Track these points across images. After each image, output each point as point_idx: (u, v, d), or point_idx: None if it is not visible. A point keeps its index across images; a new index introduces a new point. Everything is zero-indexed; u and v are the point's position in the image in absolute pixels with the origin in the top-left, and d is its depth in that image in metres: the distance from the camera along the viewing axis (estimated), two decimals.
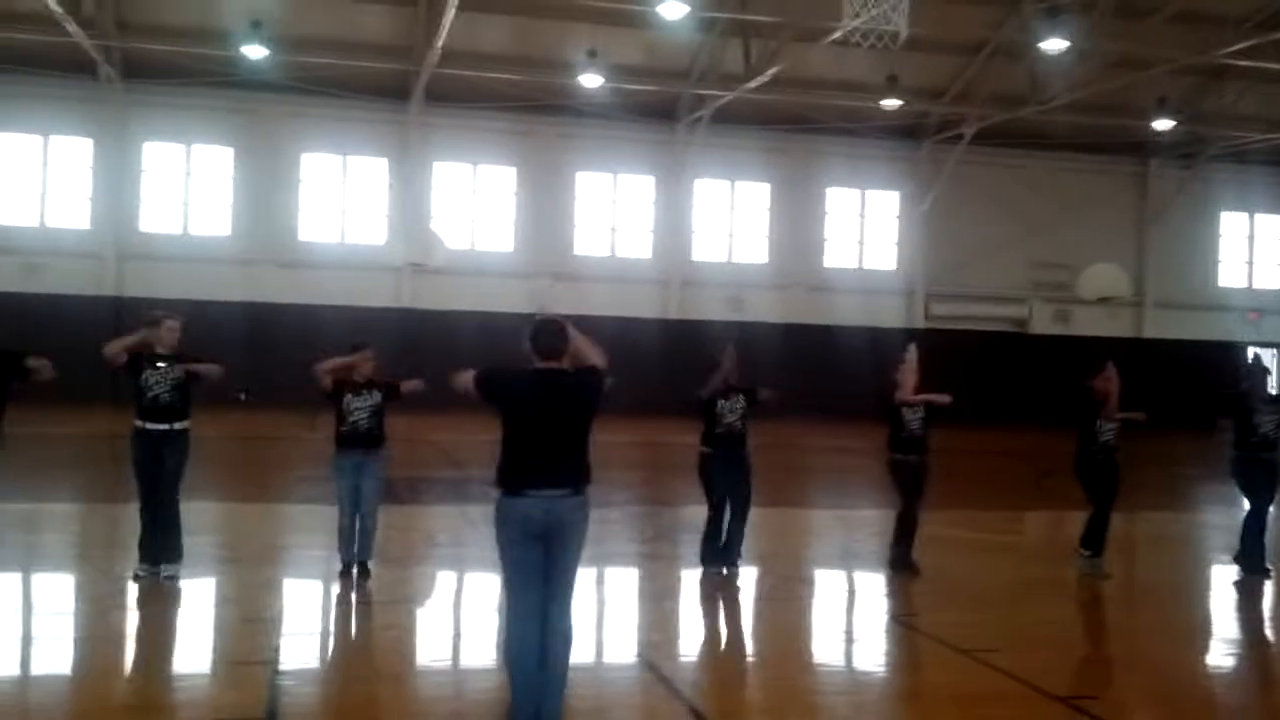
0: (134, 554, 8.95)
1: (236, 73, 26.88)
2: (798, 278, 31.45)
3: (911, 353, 10.31)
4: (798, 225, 31.72)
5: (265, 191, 28.52)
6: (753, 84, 25.78)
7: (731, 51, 27.32)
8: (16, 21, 24.51)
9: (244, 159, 28.57)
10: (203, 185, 28.57)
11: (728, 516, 9.79)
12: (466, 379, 5.79)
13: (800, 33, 24.10)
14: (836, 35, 21.10)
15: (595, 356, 5.97)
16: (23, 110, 27.20)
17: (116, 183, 27.68)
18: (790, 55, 24.75)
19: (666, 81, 29.01)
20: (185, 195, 28.50)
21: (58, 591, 9.14)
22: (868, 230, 32.73)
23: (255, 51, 24.49)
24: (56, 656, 7.33)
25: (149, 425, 8.77)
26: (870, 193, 32.59)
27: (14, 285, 25.73)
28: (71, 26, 23.22)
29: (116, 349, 8.73)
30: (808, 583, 10.32)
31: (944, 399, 10.10)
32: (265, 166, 28.51)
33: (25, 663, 7.26)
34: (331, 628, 8.28)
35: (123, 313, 26.52)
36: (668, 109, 30.22)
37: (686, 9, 22.10)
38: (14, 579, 8.93)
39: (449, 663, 7.56)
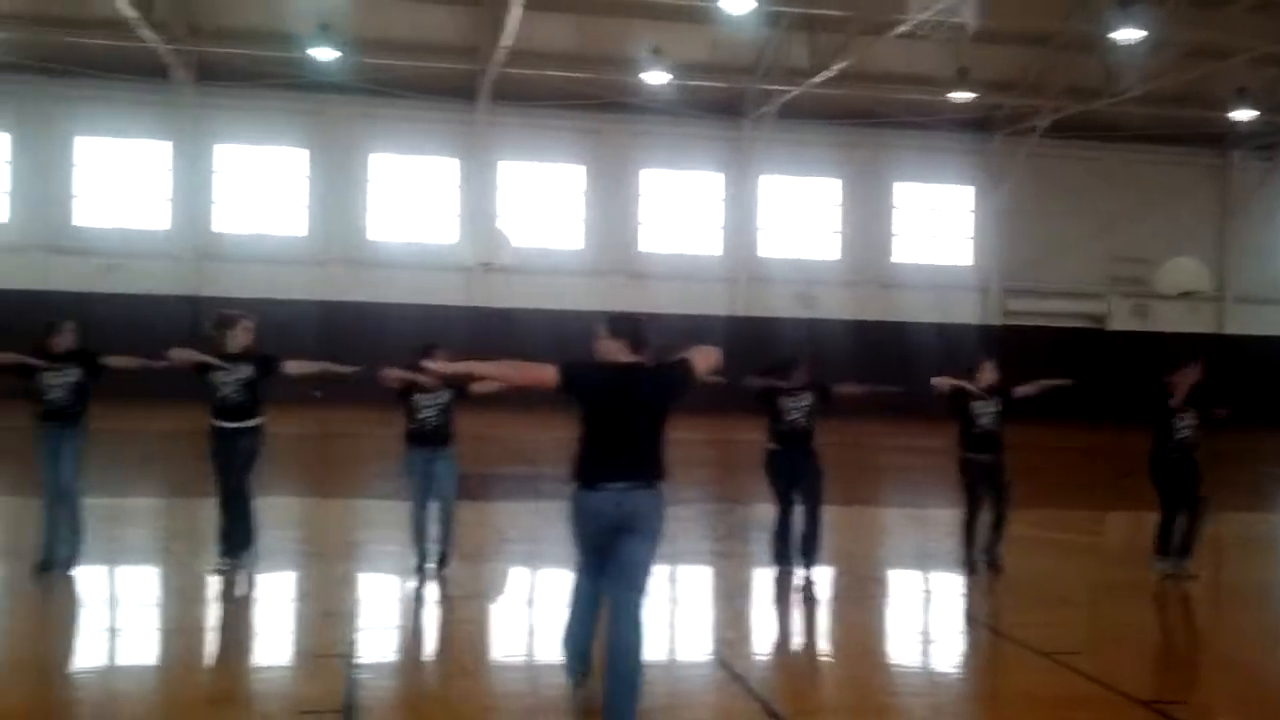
0: (214, 547, 9.12)
1: (306, 75, 27.29)
2: (868, 274, 31.15)
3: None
4: (868, 220, 31.41)
5: (337, 192, 28.89)
6: (819, 78, 25.60)
7: (797, 46, 27.16)
8: (92, 28, 25.11)
9: (316, 160, 28.98)
10: (276, 186, 29.02)
11: (798, 514, 9.69)
12: (548, 373, 5.69)
13: (867, 26, 23.89)
14: (904, 28, 20.88)
15: (703, 359, 5.89)
16: (102, 114, 27.83)
17: (193, 184, 28.22)
18: (857, 49, 24.53)
19: (732, 77, 28.90)
20: (259, 196, 28.96)
21: (142, 584, 9.33)
22: (939, 225, 32.26)
23: (324, 54, 24.83)
24: (142, 647, 7.48)
25: (222, 423, 8.96)
26: (941, 187, 32.15)
27: (96, 286, 26.34)
28: (145, 31, 23.71)
29: (183, 358, 8.89)
30: (881, 582, 10.20)
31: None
32: (336, 167, 28.88)
33: (112, 653, 7.43)
34: (407, 622, 8.35)
35: (199, 312, 27.09)
36: (734, 105, 30.10)
37: (752, 4, 22.00)
38: (101, 571, 9.13)
39: (523, 658, 7.58)
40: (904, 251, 31.94)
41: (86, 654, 7.42)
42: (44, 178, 27.73)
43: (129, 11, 22.48)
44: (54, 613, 8.28)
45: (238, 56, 27.09)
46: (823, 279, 30.94)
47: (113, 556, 9.22)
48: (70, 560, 8.85)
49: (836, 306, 30.45)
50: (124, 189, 28.35)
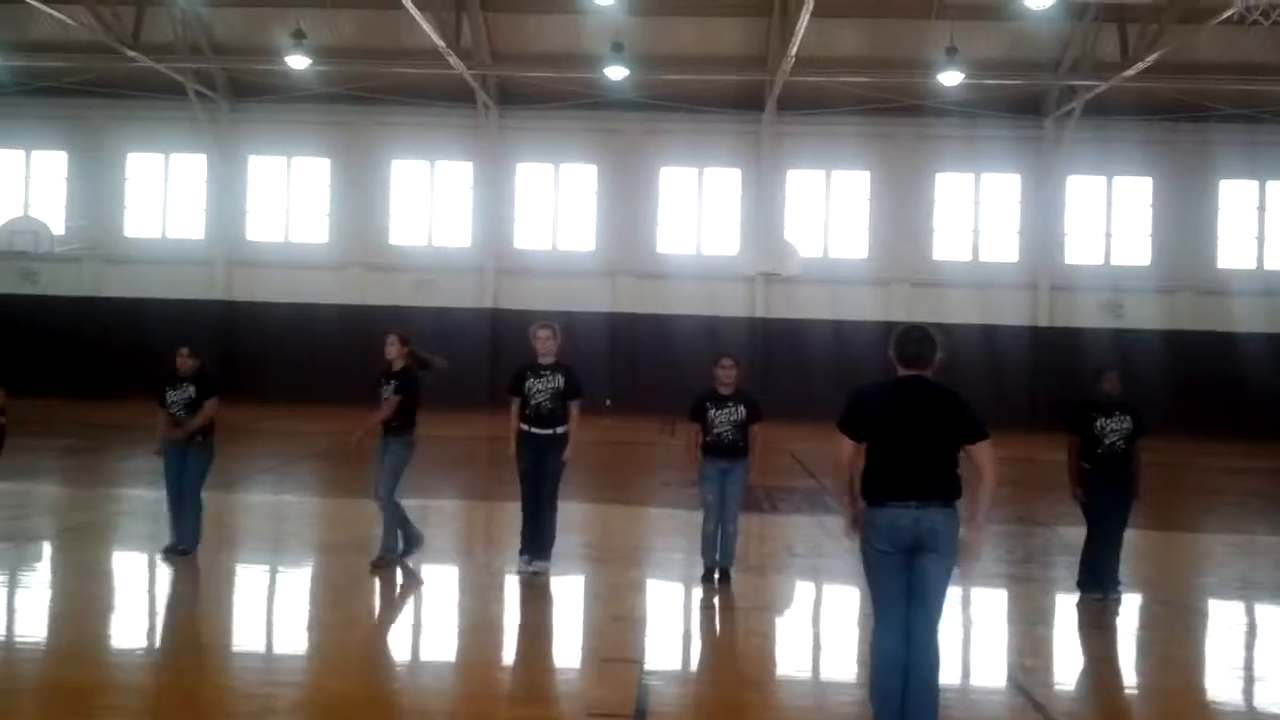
0: (510, 550, 9.46)
1: (599, 94, 28.19)
2: (1186, 280, 28.78)
3: None
4: (1185, 222, 29.04)
5: (628, 206, 29.64)
6: (1131, 71, 23.96)
7: (1106, 38, 25.57)
8: (407, 57, 26.95)
9: (606, 176, 29.85)
10: (569, 202, 30.11)
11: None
12: (844, 449, 5.60)
13: (1185, 13, 22.21)
14: (1229, 14, 19.22)
15: (991, 464, 5.59)
16: (412, 138, 29.80)
17: (494, 203, 29.70)
18: (1174, 38, 22.79)
19: (1032, 74, 27.58)
20: (554, 213, 30.13)
21: (444, 583, 9.79)
22: (1270, 225, 29.43)
23: (617, 73, 25.55)
24: (443, 645, 7.84)
25: (534, 430, 9.28)
26: (1275, 184, 29.32)
27: (407, 300, 28.16)
28: (453, 59, 25.17)
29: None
30: (1199, 613, 9.36)
31: None
32: (627, 181, 29.64)
33: (415, 649, 7.81)
34: (695, 630, 8.35)
35: (498, 323, 28.56)
36: (1034, 103, 28.72)
37: None
38: (404, 572, 9.64)
39: (810, 673, 7.41)
40: (1230, 255, 29.29)
41: (396, 647, 7.85)
42: (361, 200, 29.94)
43: (439, 41, 23.94)
44: (372, 606, 8.83)
45: (535, 79, 28.34)
46: (1133, 286, 28.89)
47: (417, 556, 9.71)
48: (391, 554, 9.42)
49: (1148, 316, 28.39)
50: (431, 209, 30.19)
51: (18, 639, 7.59)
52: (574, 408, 9.41)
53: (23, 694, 6.35)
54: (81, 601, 8.43)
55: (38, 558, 9.95)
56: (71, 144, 30.25)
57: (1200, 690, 7.36)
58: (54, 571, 9.76)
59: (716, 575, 9.19)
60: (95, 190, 30.14)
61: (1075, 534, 9.53)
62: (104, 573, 9.69)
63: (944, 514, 5.46)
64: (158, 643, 7.66)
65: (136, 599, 8.92)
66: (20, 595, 8.72)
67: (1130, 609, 9.10)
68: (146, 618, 8.27)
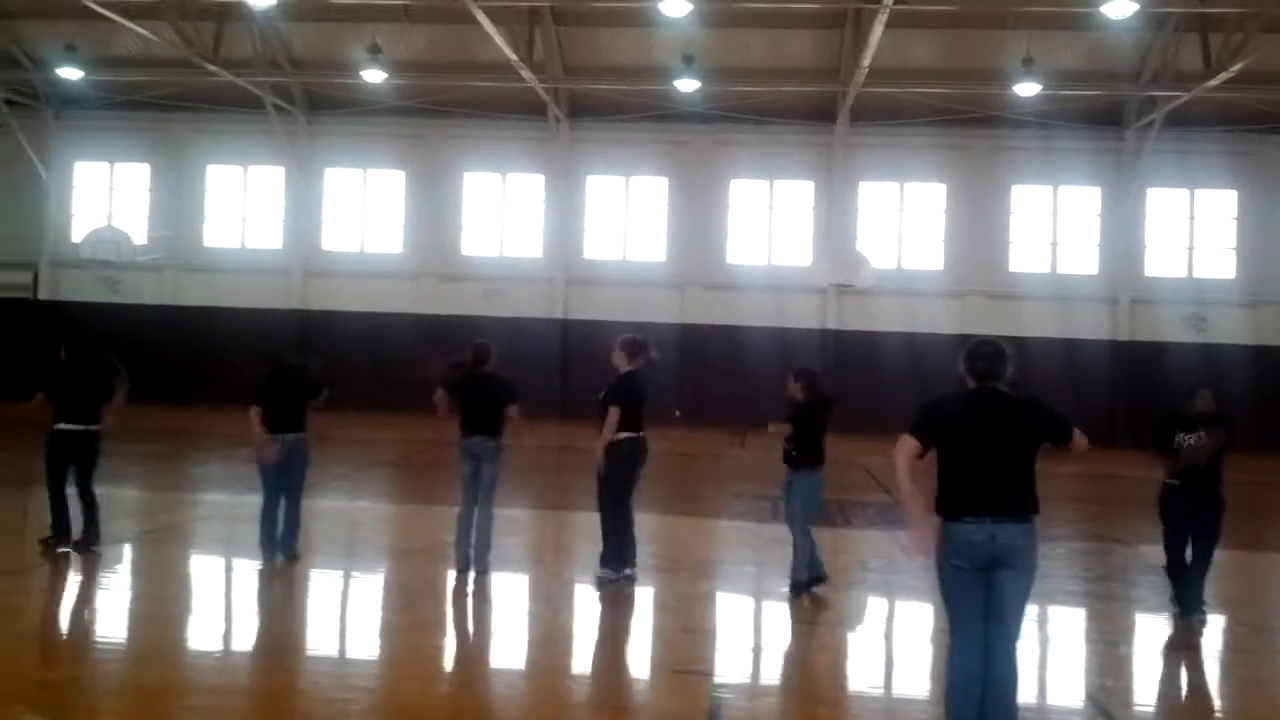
0: (580, 559, 9.47)
1: (669, 106, 28.22)
2: (1272, 294, 28.00)
3: None
4: (1272, 234, 28.25)
5: (698, 218, 29.60)
6: (1214, 82, 23.39)
7: (1187, 48, 25.00)
8: (480, 70, 27.24)
9: (676, 187, 29.84)
10: (640, 214, 30.16)
11: (1189, 557, 8.80)
12: (907, 447, 5.45)
13: (1269, 22, 21.65)
14: None
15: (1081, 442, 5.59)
16: (484, 151, 30.08)
17: (564, 214, 29.85)
18: (1258, 48, 22.23)
19: (1111, 85, 27.08)
20: (625, 224, 30.20)
21: (515, 591, 9.81)
22: None
23: (687, 85, 25.55)
24: (514, 652, 7.85)
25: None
26: None
27: (478, 310, 28.39)
28: (525, 72, 25.36)
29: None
30: None
31: None
32: (697, 193, 29.60)
33: (482, 657, 7.83)
34: (766, 644, 8.27)
35: (568, 334, 28.69)
36: (1113, 114, 28.19)
37: (1135, 7, 20.59)
38: (476, 579, 9.67)
39: (882, 690, 7.31)
40: None
41: (469, 654, 7.88)
42: (434, 211, 30.28)
43: (511, 55, 24.15)
44: (445, 612, 8.89)
45: (606, 92, 28.46)
46: (1216, 300, 28.20)
47: (495, 564, 9.77)
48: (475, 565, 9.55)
49: (1232, 330, 27.69)
50: (504, 220, 30.44)
51: (99, 639, 7.75)
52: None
53: (103, 693, 6.48)
54: (159, 603, 8.59)
55: (119, 560, 10.16)
56: (153, 156, 30.99)
57: None
58: (134, 574, 9.96)
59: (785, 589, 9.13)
60: (176, 201, 30.83)
61: (1156, 552, 9.30)
62: (182, 576, 9.87)
63: (1021, 529, 5.35)
64: (234, 645, 7.77)
65: (213, 602, 9.07)
66: (101, 596, 8.92)
67: (1214, 630, 8.86)
68: (223, 620, 8.40)
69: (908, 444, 5.44)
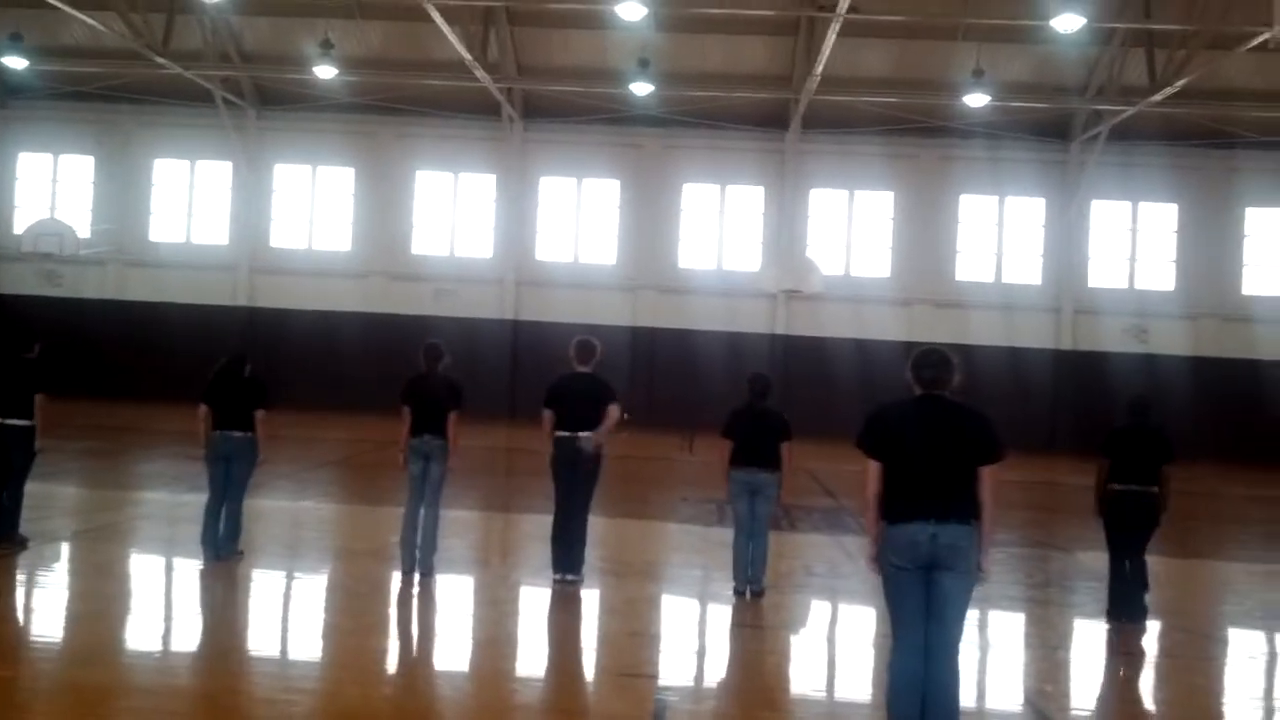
0: (527, 561, 9.43)
1: (623, 109, 28.27)
2: (1210, 306, 28.68)
3: None
4: (1211, 248, 28.91)
5: (650, 221, 29.68)
6: (1158, 97, 23.86)
7: (1133, 63, 25.49)
8: (434, 69, 27.11)
9: (628, 190, 29.90)
10: (591, 216, 30.17)
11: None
12: (871, 470, 5.59)
13: (1213, 39, 22.10)
14: (1262, 39, 19.16)
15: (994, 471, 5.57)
16: (436, 150, 29.94)
17: (516, 215, 29.78)
18: (1202, 64, 22.70)
19: (1058, 98, 27.52)
20: (576, 226, 30.18)
21: (461, 594, 9.76)
22: None
23: (642, 88, 25.60)
24: (459, 655, 7.82)
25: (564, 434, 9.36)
26: None
27: (427, 309, 28.24)
28: (479, 72, 25.28)
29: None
30: (1220, 641, 9.27)
31: None
32: (649, 196, 29.69)
33: (426, 659, 7.79)
34: (712, 648, 8.30)
35: (519, 335, 28.61)
36: (1060, 127, 28.66)
37: (1083, 21, 20.93)
38: (422, 581, 9.62)
39: (825, 693, 7.36)
40: (1256, 282, 29.15)
41: (414, 656, 7.84)
42: (384, 209, 30.07)
43: (466, 54, 24.05)
44: (390, 614, 8.83)
45: (560, 93, 28.44)
46: (1158, 311, 28.76)
47: (440, 566, 9.73)
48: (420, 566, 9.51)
49: (1172, 342, 28.25)
50: (455, 219, 30.29)
51: (35, 639, 7.61)
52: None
53: (39, 694, 6.36)
54: (98, 603, 8.45)
55: (56, 559, 9.98)
56: (99, 148, 30.51)
57: (1217, 719, 7.27)
58: (71, 573, 9.79)
59: (747, 593, 9.21)
60: (121, 195, 30.37)
61: (1095, 559, 9.46)
62: (121, 575, 9.72)
63: (963, 530, 5.42)
64: (173, 646, 7.67)
65: (153, 602, 8.94)
66: (38, 596, 8.76)
67: (1151, 636, 9.02)
68: (163, 621, 8.28)
69: (872, 468, 5.59)
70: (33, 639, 7.60)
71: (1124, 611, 9.00)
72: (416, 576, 9.38)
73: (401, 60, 27.93)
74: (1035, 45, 25.59)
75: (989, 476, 5.52)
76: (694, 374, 27.00)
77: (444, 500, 9.70)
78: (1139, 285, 29.31)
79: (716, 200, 30.02)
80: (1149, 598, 9.05)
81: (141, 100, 29.50)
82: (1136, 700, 7.75)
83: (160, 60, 25.62)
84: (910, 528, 5.41)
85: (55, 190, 30.80)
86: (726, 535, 9.90)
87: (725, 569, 9.51)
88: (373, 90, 28.68)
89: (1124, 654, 8.51)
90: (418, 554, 9.47)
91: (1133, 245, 29.44)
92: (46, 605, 8.55)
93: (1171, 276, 29.28)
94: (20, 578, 9.12)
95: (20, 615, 8.19)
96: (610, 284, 29.46)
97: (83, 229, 29.42)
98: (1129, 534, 9.01)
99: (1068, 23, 20.93)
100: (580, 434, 9.29)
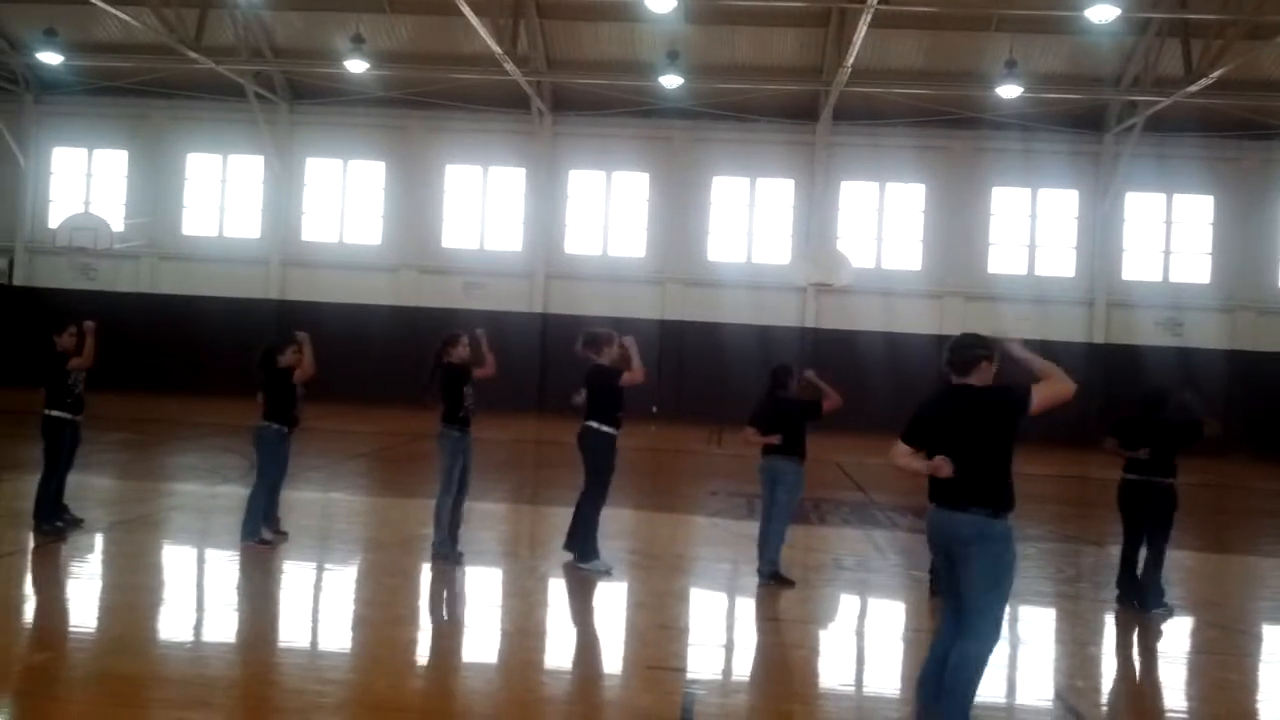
0: (555, 553, 9.48)
1: (653, 102, 28.22)
2: (1246, 299, 28.35)
3: None
4: (1248, 240, 28.54)
5: (679, 214, 29.62)
6: (1194, 88, 23.57)
7: (1169, 53, 25.18)
8: (464, 63, 27.16)
9: (658, 183, 29.85)
10: (621, 209, 30.15)
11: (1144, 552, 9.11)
12: (901, 456, 5.78)
13: (1251, 29, 21.80)
14: None
15: (1048, 388, 5.59)
16: (466, 143, 30.01)
17: (546, 208, 29.81)
18: (1239, 54, 22.40)
19: (1092, 89, 27.23)
20: (606, 219, 30.18)
21: (490, 585, 9.80)
22: None
23: (671, 81, 25.54)
24: (488, 647, 7.83)
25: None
26: None
27: (459, 303, 28.33)
28: (509, 65, 25.31)
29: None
30: (1254, 637, 9.18)
31: None
32: (678, 189, 29.62)
33: (455, 651, 7.82)
34: (740, 642, 8.30)
35: (548, 328, 28.65)
36: (1094, 118, 28.36)
37: (1117, 11, 20.70)
38: (451, 572, 9.66)
39: (854, 687, 7.34)
40: None
41: (442, 648, 7.87)
42: (415, 203, 30.17)
43: (495, 47, 24.09)
44: (419, 606, 8.87)
45: (590, 86, 28.43)
46: (1193, 304, 28.45)
47: (463, 558, 9.77)
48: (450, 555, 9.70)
49: (1207, 334, 27.95)
50: (483, 213, 30.35)
51: (70, 629, 7.70)
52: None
53: (74, 683, 6.44)
54: (132, 594, 8.54)
55: (90, 549, 10.10)
56: (132, 143, 30.78)
57: (1251, 716, 7.19)
58: (105, 564, 9.90)
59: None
60: (154, 189, 30.63)
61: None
62: (154, 566, 9.82)
63: (970, 519, 5.54)
64: (205, 637, 7.73)
65: (186, 592, 9.03)
66: (72, 586, 8.86)
67: (1183, 631, 8.94)
68: (195, 611, 8.35)
69: (899, 446, 5.78)
70: (71, 629, 7.69)
71: (1133, 597, 9.15)
72: (446, 566, 9.50)
73: (431, 54, 28.00)
74: (1069, 35, 25.34)
75: (1042, 390, 5.53)
76: (723, 367, 26.94)
77: (472, 492, 9.80)
78: (1174, 278, 28.98)
79: (746, 193, 29.92)
80: (1171, 591, 9.00)
81: (174, 95, 29.73)
82: (1168, 696, 7.68)
83: (193, 55, 25.80)
84: (930, 513, 5.70)
85: (89, 185, 31.10)
86: (755, 528, 9.90)
87: (754, 563, 9.53)
88: (403, 84, 28.78)
89: (1156, 649, 8.44)
90: (447, 543, 9.69)
91: (1167, 237, 29.11)
92: (82, 595, 8.65)
93: (1207, 269, 28.93)
94: (59, 567, 9.24)
95: (58, 604, 8.30)
96: (639, 277, 29.45)
97: (116, 223, 29.68)
98: (1139, 522, 9.21)
99: (1102, 13, 20.68)
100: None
